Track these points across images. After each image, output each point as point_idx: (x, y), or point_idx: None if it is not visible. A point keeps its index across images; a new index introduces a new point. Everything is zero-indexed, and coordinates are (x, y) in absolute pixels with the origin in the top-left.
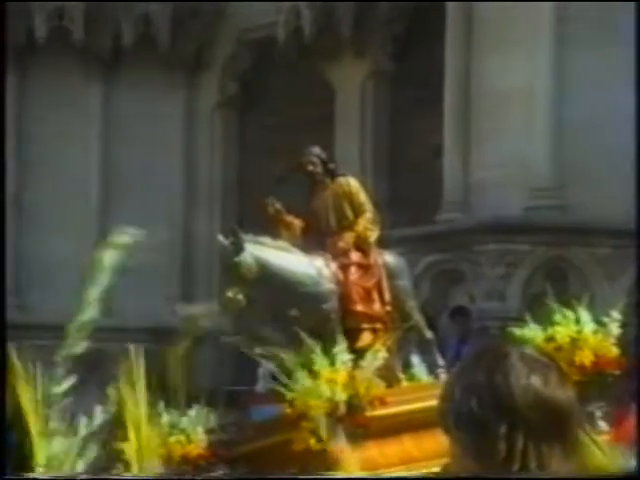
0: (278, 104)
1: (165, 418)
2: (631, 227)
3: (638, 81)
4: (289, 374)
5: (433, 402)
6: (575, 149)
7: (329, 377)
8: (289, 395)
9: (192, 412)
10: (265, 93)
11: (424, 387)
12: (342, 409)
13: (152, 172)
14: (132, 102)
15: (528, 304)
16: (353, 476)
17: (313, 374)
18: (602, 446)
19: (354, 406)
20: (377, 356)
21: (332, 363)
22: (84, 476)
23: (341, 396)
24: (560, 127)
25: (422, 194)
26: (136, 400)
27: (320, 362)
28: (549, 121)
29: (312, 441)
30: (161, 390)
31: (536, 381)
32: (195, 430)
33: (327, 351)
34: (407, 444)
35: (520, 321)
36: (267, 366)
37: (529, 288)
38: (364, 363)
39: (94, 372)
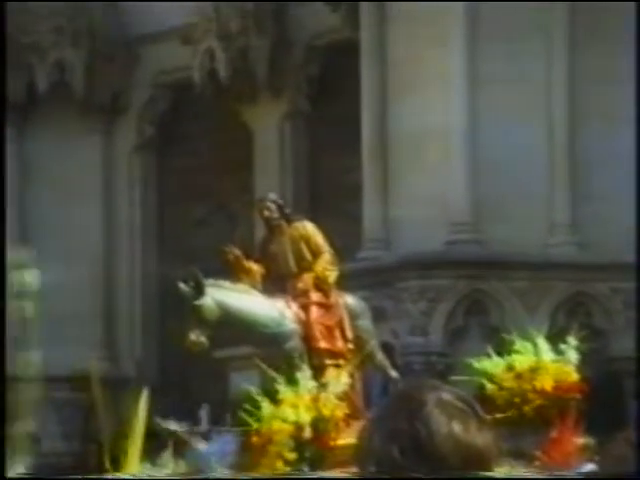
0: (196, 147)
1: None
2: (544, 259)
3: (638, 97)
4: (254, 405)
5: None
6: (491, 184)
7: (293, 402)
8: (255, 425)
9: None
10: (183, 136)
11: None
12: (307, 431)
13: (71, 217)
14: (49, 147)
15: (450, 338)
16: (354, 477)
17: (277, 402)
18: None
19: (319, 429)
20: (340, 381)
21: (296, 391)
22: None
23: (305, 418)
24: (476, 163)
25: (343, 233)
26: None
27: (284, 391)
28: (465, 157)
29: (279, 464)
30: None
31: (457, 428)
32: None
33: (291, 382)
34: None
35: (443, 355)
36: (206, 408)
37: (451, 322)
38: (328, 388)
39: (13, 424)
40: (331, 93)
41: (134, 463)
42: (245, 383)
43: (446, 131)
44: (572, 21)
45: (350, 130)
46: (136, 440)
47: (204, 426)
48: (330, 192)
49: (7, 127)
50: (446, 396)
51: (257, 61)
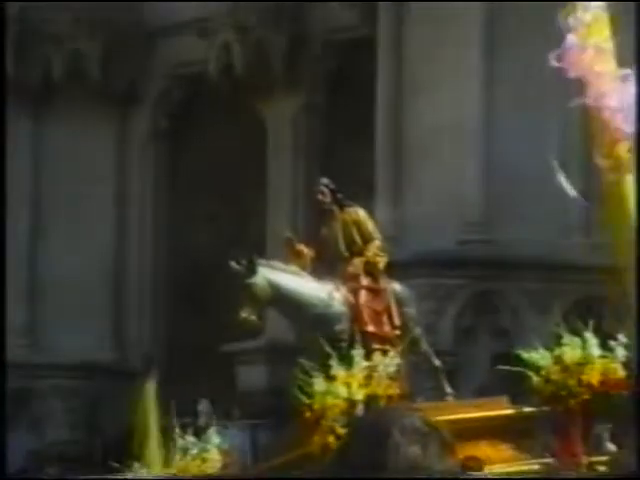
0: (210, 138)
1: (179, 443)
2: (556, 261)
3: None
4: (306, 379)
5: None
6: (504, 184)
7: (345, 379)
8: (306, 400)
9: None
10: (197, 127)
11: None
12: (360, 409)
13: (84, 206)
14: (63, 136)
15: (459, 338)
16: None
17: (329, 379)
18: None
19: (372, 406)
20: (392, 361)
21: (348, 368)
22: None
23: (358, 395)
24: (490, 162)
25: None
26: None
27: (336, 368)
28: (479, 157)
29: (330, 438)
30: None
31: (415, 452)
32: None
33: (343, 360)
34: None
35: (452, 355)
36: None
37: (460, 322)
38: (380, 366)
39: (24, 409)
40: (347, 89)
41: (155, 459)
42: (253, 377)
43: (460, 129)
44: None
45: (365, 126)
46: (154, 435)
47: (202, 420)
48: (343, 187)
49: (23, 117)
50: (409, 422)
51: (273, 54)
